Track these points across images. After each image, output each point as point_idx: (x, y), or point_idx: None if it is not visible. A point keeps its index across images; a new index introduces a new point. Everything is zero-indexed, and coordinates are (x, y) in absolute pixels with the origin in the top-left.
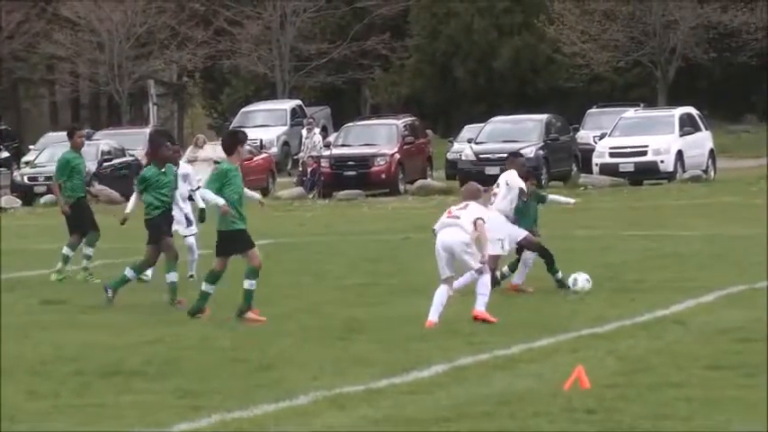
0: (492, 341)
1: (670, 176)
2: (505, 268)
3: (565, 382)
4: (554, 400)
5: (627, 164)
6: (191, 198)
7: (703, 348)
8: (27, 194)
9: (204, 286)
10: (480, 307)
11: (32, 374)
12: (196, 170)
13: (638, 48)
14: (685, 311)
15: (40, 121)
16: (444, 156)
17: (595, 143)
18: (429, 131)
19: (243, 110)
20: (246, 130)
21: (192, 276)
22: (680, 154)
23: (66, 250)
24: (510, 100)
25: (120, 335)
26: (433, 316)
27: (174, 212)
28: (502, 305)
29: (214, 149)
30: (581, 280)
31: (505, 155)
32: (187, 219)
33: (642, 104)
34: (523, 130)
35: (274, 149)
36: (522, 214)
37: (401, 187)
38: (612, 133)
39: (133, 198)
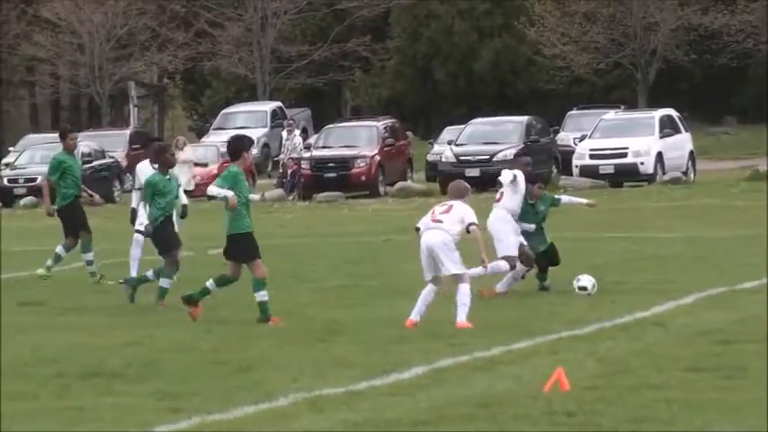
0: (472, 343)
1: (650, 178)
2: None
3: (545, 384)
4: (534, 402)
5: (607, 166)
6: None
7: (683, 350)
8: (7, 196)
9: (209, 283)
10: (461, 317)
11: (12, 376)
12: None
13: (619, 50)
14: (665, 313)
15: (20, 122)
16: (424, 158)
17: (575, 145)
18: (409, 133)
19: (223, 111)
20: (226, 132)
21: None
22: (660, 156)
23: (59, 250)
24: (490, 102)
25: (99, 336)
26: (415, 315)
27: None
28: (481, 307)
29: (194, 151)
30: (584, 278)
31: (486, 157)
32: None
33: (622, 106)
34: (504, 132)
35: (254, 151)
36: (526, 216)
37: (381, 189)
38: (593, 135)
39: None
